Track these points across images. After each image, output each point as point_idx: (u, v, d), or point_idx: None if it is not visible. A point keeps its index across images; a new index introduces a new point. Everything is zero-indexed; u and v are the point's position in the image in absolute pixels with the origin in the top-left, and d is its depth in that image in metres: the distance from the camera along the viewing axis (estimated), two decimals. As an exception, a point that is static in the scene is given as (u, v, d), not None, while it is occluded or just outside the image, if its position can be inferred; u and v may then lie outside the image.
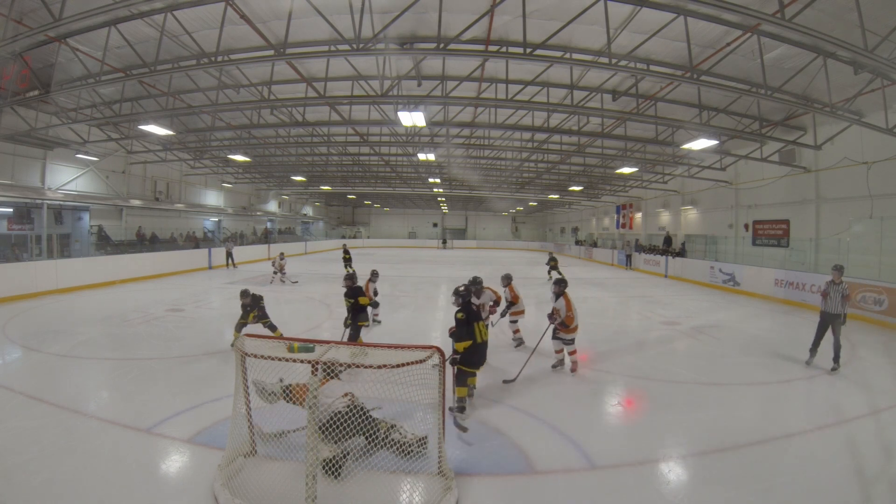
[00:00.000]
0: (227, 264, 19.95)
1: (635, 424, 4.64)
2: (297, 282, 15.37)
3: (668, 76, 8.82)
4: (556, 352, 6.20)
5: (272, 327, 6.91)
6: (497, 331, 8.07)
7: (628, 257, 23.11)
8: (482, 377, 5.36)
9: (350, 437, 3.47)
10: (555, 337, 6.11)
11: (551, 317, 5.97)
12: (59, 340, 7.22)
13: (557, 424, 4.43)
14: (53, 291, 11.90)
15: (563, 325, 5.95)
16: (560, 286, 6.15)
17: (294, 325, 8.48)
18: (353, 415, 3.44)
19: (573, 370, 6.04)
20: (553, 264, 18.19)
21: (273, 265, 15.83)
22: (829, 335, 6.29)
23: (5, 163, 13.69)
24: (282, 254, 16.36)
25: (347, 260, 18.35)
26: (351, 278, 6.51)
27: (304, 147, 18.04)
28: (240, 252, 21.25)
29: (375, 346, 3.63)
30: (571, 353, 6.11)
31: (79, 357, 6.48)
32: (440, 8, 7.28)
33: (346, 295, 6.37)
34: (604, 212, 32.66)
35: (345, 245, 19.59)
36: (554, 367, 6.19)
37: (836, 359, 6.20)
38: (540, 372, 6.09)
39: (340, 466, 3.36)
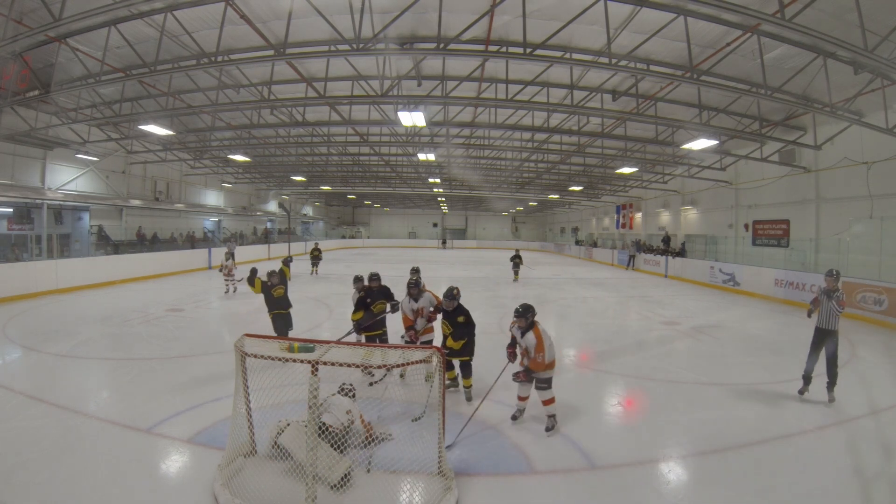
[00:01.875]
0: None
1: (635, 424, 4.64)
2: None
3: (668, 76, 8.82)
4: (522, 398, 4.47)
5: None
6: (498, 330, 8.08)
7: (631, 258, 23.07)
8: (479, 377, 5.36)
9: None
10: (528, 381, 4.36)
11: (512, 354, 4.41)
12: (59, 340, 7.22)
13: (557, 424, 4.42)
14: (53, 291, 11.90)
15: (528, 377, 4.30)
16: (529, 316, 4.28)
17: (294, 325, 8.46)
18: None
19: (549, 428, 4.27)
20: (517, 262, 17.29)
21: (221, 269, 12.79)
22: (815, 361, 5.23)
23: (5, 163, 13.69)
24: (228, 253, 13.14)
25: (316, 258, 18.16)
26: (377, 279, 5.91)
27: (304, 147, 18.03)
28: (240, 252, 21.20)
29: (376, 346, 3.63)
30: (546, 402, 4.28)
31: (79, 357, 6.48)
32: (440, 8, 7.27)
33: (376, 297, 5.78)
34: (604, 212, 32.65)
35: (317, 244, 19.53)
36: (514, 417, 4.50)
37: (832, 386, 5.10)
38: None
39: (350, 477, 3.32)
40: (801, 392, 5.32)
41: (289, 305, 6.82)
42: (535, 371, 4.21)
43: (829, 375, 5.11)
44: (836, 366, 5.11)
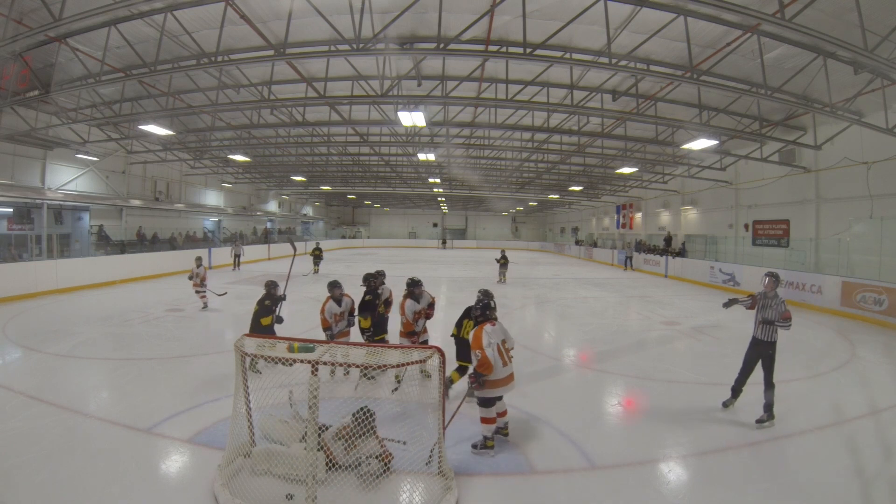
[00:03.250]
0: (235, 265, 19.92)
1: (635, 424, 4.64)
2: (225, 293, 11.14)
3: (668, 76, 8.81)
4: (483, 420, 3.84)
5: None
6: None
7: (628, 258, 23.04)
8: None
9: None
10: (479, 387, 3.81)
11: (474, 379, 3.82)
12: (59, 340, 7.22)
13: (557, 424, 4.43)
14: (53, 291, 11.89)
15: (476, 379, 3.78)
16: (487, 312, 4.04)
17: (294, 325, 8.47)
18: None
19: (475, 445, 3.83)
20: (503, 262, 16.45)
21: (191, 277, 10.01)
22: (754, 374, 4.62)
23: (5, 163, 13.68)
24: (199, 258, 10.30)
25: (317, 257, 18.51)
26: (374, 278, 5.59)
27: (304, 147, 18.04)
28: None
29: (376, 346, 3.63)
30: (482, 420, 3.83)
31: (79, 357, 6.48)
32: (440, 8, 7.27)
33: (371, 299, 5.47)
34: (604, 212, 32.65)
35: (318, 243, 19.79)
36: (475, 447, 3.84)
37: (769, 407, 4.40)
38: (540, 372, 6.09)
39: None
40: (725, 404, 4.81)
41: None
42: (482, 374, 3.72)
43: (766, 395, 4.44)
44: (773, 384, 4.44)
